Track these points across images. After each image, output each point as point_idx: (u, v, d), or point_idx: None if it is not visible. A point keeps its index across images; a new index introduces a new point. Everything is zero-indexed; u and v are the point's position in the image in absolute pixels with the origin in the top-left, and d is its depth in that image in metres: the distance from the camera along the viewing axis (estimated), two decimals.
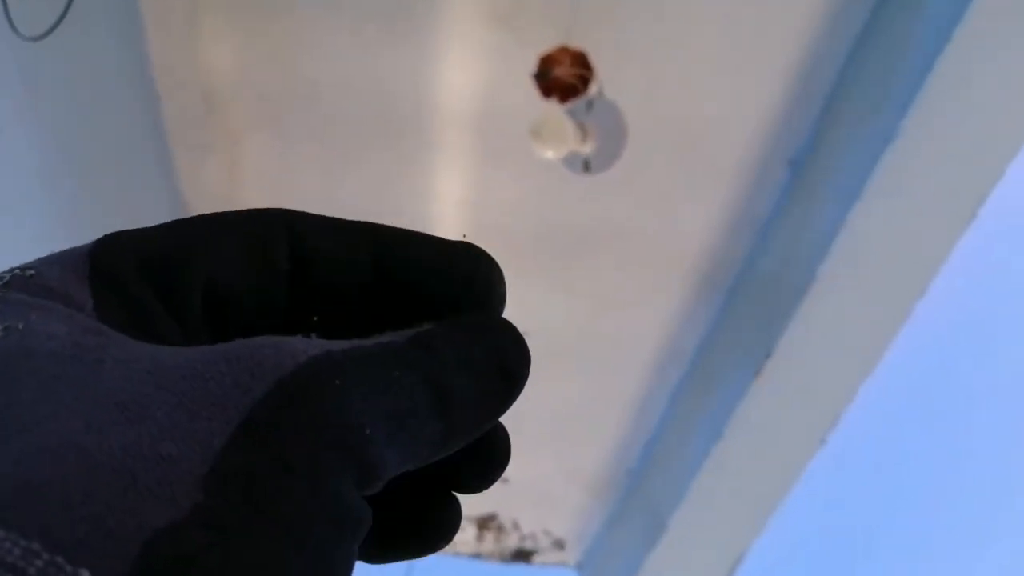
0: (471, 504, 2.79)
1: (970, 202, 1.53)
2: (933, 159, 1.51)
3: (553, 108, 1.64)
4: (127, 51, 1.68)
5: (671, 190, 1.88)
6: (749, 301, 1.95)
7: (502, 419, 0.27)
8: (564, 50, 1.69)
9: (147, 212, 1.88)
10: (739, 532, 2.17)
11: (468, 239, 0.28)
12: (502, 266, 0.31)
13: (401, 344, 0.22)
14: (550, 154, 1.41)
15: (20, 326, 0.20)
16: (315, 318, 0.26)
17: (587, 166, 1.53)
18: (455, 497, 0.29)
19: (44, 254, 0.25)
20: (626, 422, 2.51)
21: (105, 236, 0.26)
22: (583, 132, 1.47)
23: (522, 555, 3.07)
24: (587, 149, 1.50)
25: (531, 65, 1.71)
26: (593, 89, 1.67)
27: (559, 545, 3.03)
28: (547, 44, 1.69)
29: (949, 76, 1.41)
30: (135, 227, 0.26)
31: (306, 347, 0.20)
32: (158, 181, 1.92)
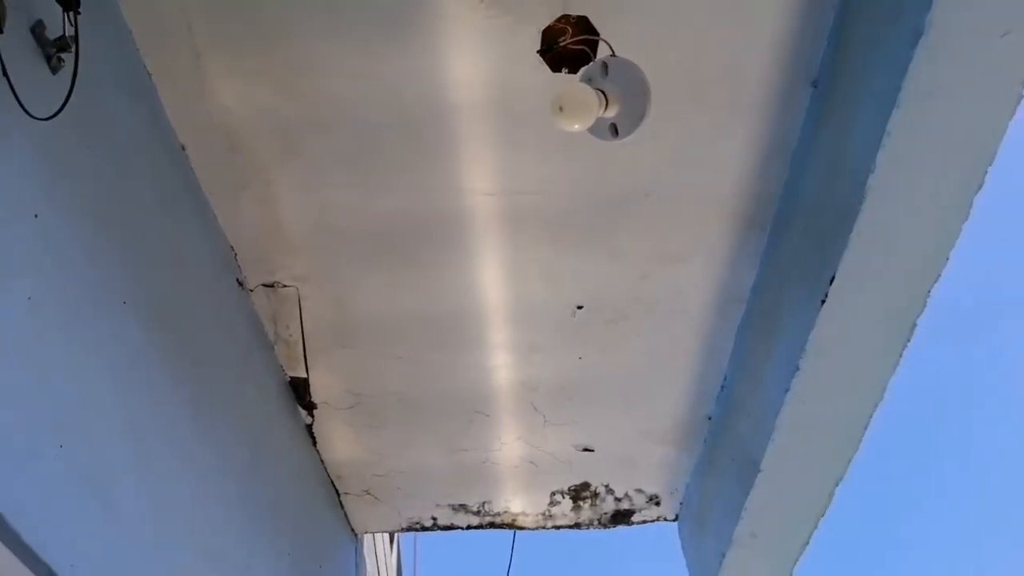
0: (561, 478, 2.82)
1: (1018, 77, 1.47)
2: (971, 46, 1.44)
3: (569, 80, 1.60)
4: (141, 108, 1.71)
5: (698, 136, 1.85)
6: (797, 230, 1.91)
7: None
8: (565, 18, 1.66)
9: (196, 262, 1.92)
10: (836, 455, 2.14)
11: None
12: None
13: None
14: (577, 127, 1.38)
15: None
16: None
17: (615, 130, 1.50)
18: None
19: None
20: (696, 371, 2.49)
21: None
22: (604, 97, 1.44)
23: (621, 516, 3.09)
24: (612, 113, 1.47)
25: (535, 42, 1.68)
26: (602, 52, 1.63)
27: (655, 501, 3.05)
28: (546, 17, 1.66)
29: None
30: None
31: None
32: (200, 229, 1.96)
